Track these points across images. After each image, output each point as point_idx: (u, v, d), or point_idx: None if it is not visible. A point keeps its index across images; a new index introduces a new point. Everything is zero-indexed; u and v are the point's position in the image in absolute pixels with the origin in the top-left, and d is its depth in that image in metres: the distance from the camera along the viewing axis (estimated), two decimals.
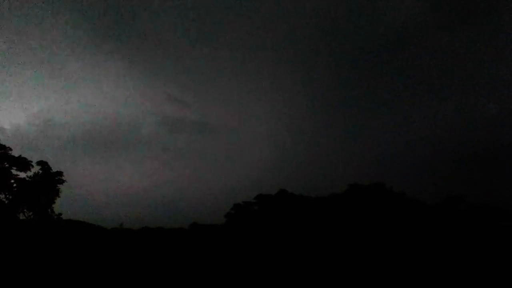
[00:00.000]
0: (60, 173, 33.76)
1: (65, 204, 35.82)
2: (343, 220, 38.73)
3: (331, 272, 15.60)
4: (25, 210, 32.74)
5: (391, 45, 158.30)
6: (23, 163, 31.44)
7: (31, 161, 32.12)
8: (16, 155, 31.25)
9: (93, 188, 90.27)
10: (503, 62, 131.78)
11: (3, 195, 30.86)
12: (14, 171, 31.23)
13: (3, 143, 30.77)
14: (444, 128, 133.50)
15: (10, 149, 30.94)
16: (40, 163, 32.67)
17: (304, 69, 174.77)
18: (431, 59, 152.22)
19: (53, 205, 34.10)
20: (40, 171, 32.75)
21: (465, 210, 40.34)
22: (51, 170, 33.35)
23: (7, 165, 30.76)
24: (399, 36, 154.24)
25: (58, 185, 33.78)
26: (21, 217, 32.60)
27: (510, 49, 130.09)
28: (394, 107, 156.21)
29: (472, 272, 15.16)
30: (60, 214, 34.67)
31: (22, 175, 31.79)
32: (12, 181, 31.20)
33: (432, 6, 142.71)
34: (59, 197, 34.11)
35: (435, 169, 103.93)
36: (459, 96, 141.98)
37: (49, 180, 33.25)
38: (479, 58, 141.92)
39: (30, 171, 32.24)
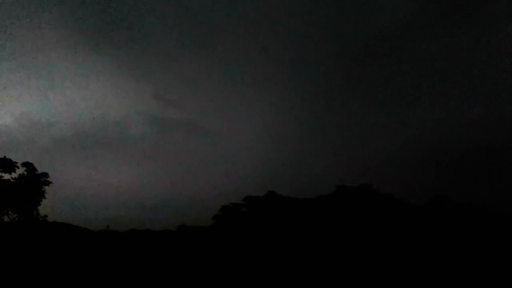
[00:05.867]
0: (45, 175, 33.69)
1: (50, 206, 35.66)
2: (330, 222, 38.87)
3: (319, 273, 15.71)
4: (9, 212, 32.55)
5: (378, 48, 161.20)
6: (8, 165, 31.38)
7: (16, 162, 32.08)
8: (1, 156, 31.21)
9: (79, 190, 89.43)
10: (487, 65, 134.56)
11: None
12: None
13: None
14: (430, 131, 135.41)
15: None
16: (25, 164, 32.57)
17: (294, 70, 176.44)
18: (418, 63, 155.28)
19: (38, 207, 33.97)
20: (25, 173, 32.65)
21: (452, 211, 40.71)
22: (37, 171, 33.27)
23: None
24: (386, 40, 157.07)
25: (43, 186, 33.69)
26: (5, 220, 32.39)
27: (493, 53, 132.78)
28: (381, 110, 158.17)
29: (459, 271, 15.32)
30: (46, 216, 34.49)
31: (6, 176, 31.76)
32: None
33: (420, 9, 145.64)
34: (44, 198, 34.02)
35: (422, 171, 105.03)
36: (444, 98, 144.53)
37: (35, 181, 33.16)
38: (463, 62, 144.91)
39: (15, 172, 32.18)
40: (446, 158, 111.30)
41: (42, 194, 33.64)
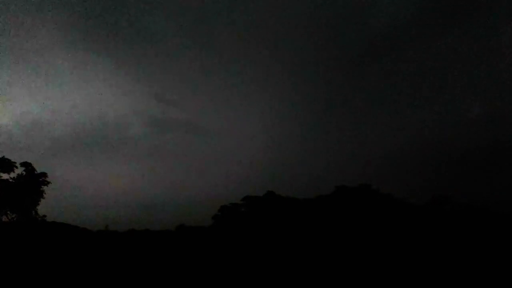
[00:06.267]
0: (44, 175, 33.58)
1: (49, 206, 35.60)
2: (329, 222, 38.83)
3: (319, 273, 15.66)
4: (8, 212, 32.48)
5: (378, 49, 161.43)
6: (7, 164, 31.28)
7: (15, 162, 31.98)
8: (0, 156, 31.13)
9: (78, 190, 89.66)
10: (487, 65, 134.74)
11: None
12: None
13: None
14: (430, 130, 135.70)
15: None
16: (24, 164, 32.47)
17: (295, 70, 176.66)
18: (418, 63, 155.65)
19: (37, 207, 33.89)
20: (24, 173, 32.57)
21: (451, 211, 40.69)
22: (35, 171, 33.19)
23: None
24: (386, 40, 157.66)
25: (42, 186, 33.60)
26: (4, 219, 32.34)
27: (493, 53, 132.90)
28: (381, 110, 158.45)
29: (459, 271, 15.28)
30: (45, 216, 34.42)
31: (5, 176, 31.66)
32: None
33: (420, 9, 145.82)
34: (43, 198, 33.93)
35: (422, 171, 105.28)
36: (444, 98, 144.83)
37: (33, 181, 33.07)
38: (463, 62, 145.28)
39: (14, 172, 32.09)
40: (446, 158, 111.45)
41: (40, 194, 33.54)
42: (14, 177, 32.07)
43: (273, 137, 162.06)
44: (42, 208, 33.94)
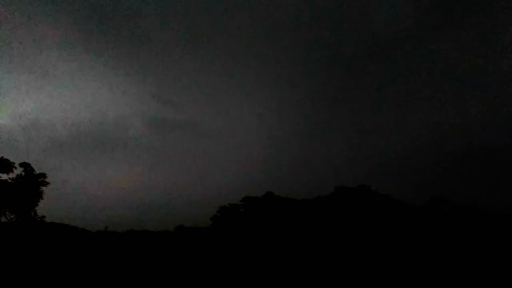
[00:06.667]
0: (43, 175, 33.55)
1: (48, 207, 35.60)
2: (328, 222, 38.87)
3: (317, 273, 15.70)
4: (7, 212, 32.46)
5: (379, 51, 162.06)
6: (5, 165, 31.25)
7: (14, 163, 31.96)
8: None
9: (77, 190, 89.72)
10: (487, 66, 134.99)
11: None
12: None
13: None
14: (430, 131, 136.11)
15: None
16: (23, 164, 32.46)
17: (295, 70, 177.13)
18: (417, 65, 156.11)
19: (36, 208, 33.86)
20: (23, 173, 32.56)
21: (449, 211, 40.76)
22: (34, 172, 33.17)
23: None
24: (387, 42, 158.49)
25: (41, 187, 33.57)
26: (3, 220, 32.33)
27: (493, 54, 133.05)
28: (381, 112, 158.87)
29: (457, 272, 15.33)
30: (44, 216, 34.39)
31: (4, 177, 31.64)
32: None
33: (421, 11, 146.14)
34: (42, 199, 33.90)
35: (420, 171, 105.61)
36: (444, 99, 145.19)
37: (32, 182, 33.04)
38: (463, 63, 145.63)
39: (13, 173, 32.06)
40: (445, 159, 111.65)
41: (39, 195, 33.50)
42: (13, 178, 32.04)
43: (273, 137, 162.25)
44: (41, 208, 33.94)
